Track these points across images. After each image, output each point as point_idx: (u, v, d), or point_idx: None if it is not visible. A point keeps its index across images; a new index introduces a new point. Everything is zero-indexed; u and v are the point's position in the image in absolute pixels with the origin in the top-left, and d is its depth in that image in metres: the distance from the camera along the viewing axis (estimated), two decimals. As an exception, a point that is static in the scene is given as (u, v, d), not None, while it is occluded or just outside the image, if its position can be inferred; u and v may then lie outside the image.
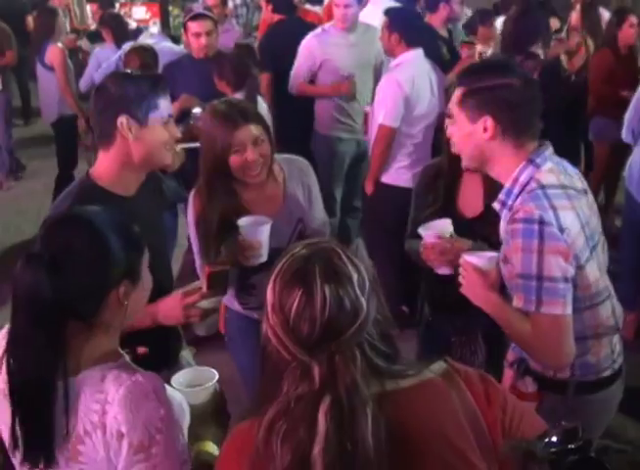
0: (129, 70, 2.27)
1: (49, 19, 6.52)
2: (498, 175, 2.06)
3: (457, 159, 2.53)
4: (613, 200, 5.70)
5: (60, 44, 6.31)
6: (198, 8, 4.71)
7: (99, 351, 1.52)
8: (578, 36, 5.59)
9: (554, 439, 1.11)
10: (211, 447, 1.70)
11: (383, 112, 4.04)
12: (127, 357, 1.58)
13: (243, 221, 2.40)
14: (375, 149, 4.18)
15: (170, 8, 8.57)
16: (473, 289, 2.10)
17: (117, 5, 9.31)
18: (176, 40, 6.37)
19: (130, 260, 1.53)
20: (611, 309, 2.09)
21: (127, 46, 5.04)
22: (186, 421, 1.71)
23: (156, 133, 2.11)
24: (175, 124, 2.25)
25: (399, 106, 4.00)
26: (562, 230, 1.88)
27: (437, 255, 2.37)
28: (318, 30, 4.90)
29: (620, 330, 2.15)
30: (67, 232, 1.51)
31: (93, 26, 8.89)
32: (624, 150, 4.70)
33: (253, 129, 2.42)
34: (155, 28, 7.32)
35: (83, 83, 6.10)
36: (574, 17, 6.34)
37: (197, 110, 4.09)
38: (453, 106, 2.05)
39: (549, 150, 2.03)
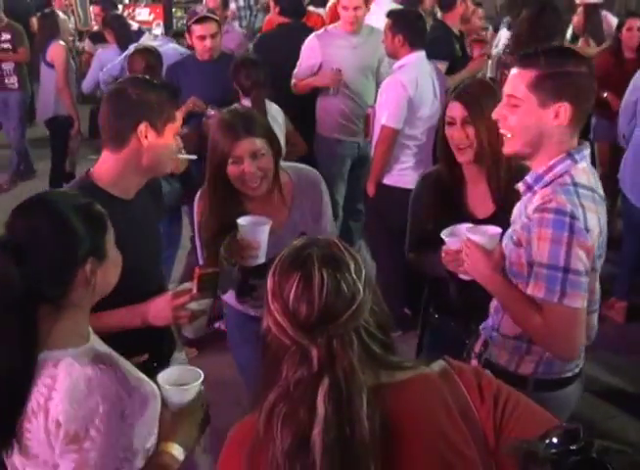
0: (146, 77, 2.31)
1: (49, 21, 6.55)
2: (539, 163, 2.02)
3: (456, 164, 2.56)
4: (616, 201, 5.71)
5: (62, 42, 6.33)
6: (201, 10, 4.69)
7: (64, 333, 1.55)
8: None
9: (555, 440, 1.11)
10: (176, 450, 1.67)
11: (386, 113, 4.04)
12: (95, 343, 1.60)
13: (242, 220, 2.40)
14: (377, 150, 4.18)
15: (174, 10, 8.58)
16: (477, 267, 2.10)
17: (121, 7, 9.34)
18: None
19: (94, 238, 1.57)
20: (594, 321, 2.13)
21: (133, 47, 5.05)
22: (164, 415, 1.71)
23: (168, 143, 2.17)
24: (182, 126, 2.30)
25: (403, 107, 4.01)
26: (587, 230, 1.90)
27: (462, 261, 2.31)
28: (321, 31, 4.88)
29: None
30: (28, 217, 1.56)
31: (96, 28, 8.91)
32: (624, 151, 4.73)
33: (254, 142, 2.42)
34: (158, 30, 7.31)
35: (86, 84, 6.11)
36: (576, 19, 6.36)
37: (211, 111, 4.12)
38: (519, 88, 1.97)
39: (588, 150, 2.03)
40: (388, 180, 4.20)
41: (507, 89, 2.02)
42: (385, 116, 4.05)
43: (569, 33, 6.01)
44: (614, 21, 6.14)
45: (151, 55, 4.43)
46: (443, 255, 2.31)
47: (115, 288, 2.08)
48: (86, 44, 7.83)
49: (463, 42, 5.31)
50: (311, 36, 4.82)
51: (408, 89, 3.99)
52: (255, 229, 2.38)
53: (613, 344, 4.01)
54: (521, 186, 2.06)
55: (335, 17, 5.50)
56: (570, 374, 2.17)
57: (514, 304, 2.04)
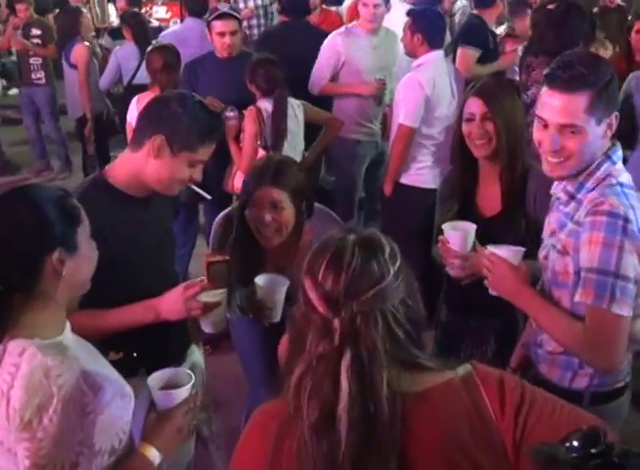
0: (200, 100, 2.22)
1: (72, 18, 6.58)
2: (579, 172, 1.95)
3: (470, 162, 2.58)
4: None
5: (86, 43, 6.37)
6: (223, 7, 4.68)
7: (33, 323, 1.56)
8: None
9: (575, 443, 1.10)
10: (151, 453, 1.67)
11: (403, 111, 4.03)
12: (67, 338, 1.61)
13: (260, 280, 2.39)
14: (394, 149, 4.17)
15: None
16: (502, 282, 2.06)
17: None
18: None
19: (63, 228, 1.58)
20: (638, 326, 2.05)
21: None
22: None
23: (177, 167, 2.12)
24: None
25: (420, 106, 3.99)
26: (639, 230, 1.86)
27: (453, 256, 2.35)
28: (342, 29, 4.87)
29: None
30: (2, 205, 1.58)
31: (115, 23, 8.96)
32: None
33: (278, 193, 2.43)
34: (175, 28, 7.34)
35: (103, 81, 6.13)
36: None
37: (230, 112, 4.09)
38: (576, 115, 1.86)
39: (620, 149, 2.00)
40: (405, 179, 4.19)
41: (561, 119, 1.89)
42: (402, 114, 4.04)
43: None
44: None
45: (169, 53, 4.41)
46: (440, 245, 2.36)
47: (130, 286, 2.09)
48: (105, 40, 7.86)
49: (496, 39, 5.34)
50: (332, 35, 4.80)
51: (425, 88, 3.98)
52: (273, 290, 2.37)
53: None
54: (562, 195, 2.00)
55: (353, 16, 5.50)
56: (622, 384, 2.11)
57: (549, 315, 1.98)
